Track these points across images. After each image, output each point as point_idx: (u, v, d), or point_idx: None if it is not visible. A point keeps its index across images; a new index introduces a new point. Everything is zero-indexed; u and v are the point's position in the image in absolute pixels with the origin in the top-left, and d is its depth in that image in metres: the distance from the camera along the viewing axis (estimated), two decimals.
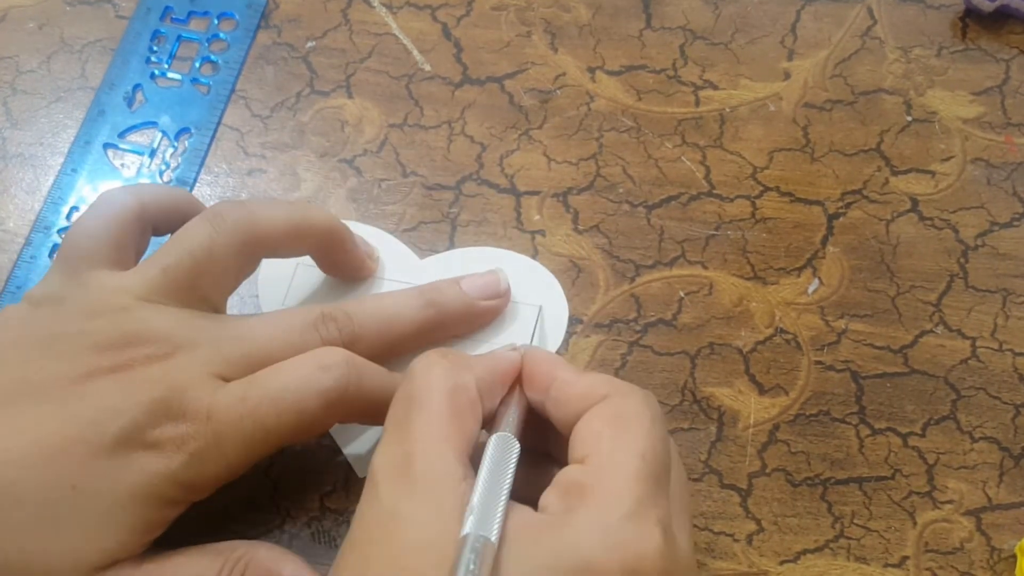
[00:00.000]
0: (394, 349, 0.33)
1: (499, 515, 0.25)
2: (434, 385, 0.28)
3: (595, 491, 0.25)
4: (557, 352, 0.36)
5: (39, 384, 0.29)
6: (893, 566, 0.33)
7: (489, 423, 0.29)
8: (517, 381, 0.30)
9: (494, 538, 0.24)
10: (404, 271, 0.38)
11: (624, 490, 0.25)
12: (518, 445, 0.27)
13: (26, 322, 0.31)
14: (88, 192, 0.40)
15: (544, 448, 0.30)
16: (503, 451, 0.27)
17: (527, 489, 0.27)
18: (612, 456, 0.26)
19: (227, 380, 0.30)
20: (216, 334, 0.31)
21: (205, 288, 0.32)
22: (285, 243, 0.33)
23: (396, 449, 0.27)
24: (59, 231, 0.39)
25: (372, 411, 0.31)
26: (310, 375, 0.30)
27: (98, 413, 0.28)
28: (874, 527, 0.34)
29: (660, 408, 0.28)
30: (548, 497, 0.26)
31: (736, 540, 0.34)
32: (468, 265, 0.38)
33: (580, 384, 0.28)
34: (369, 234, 0.38)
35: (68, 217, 0.39)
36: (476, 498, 0.25)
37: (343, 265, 0.36)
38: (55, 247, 0.39)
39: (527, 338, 0.36)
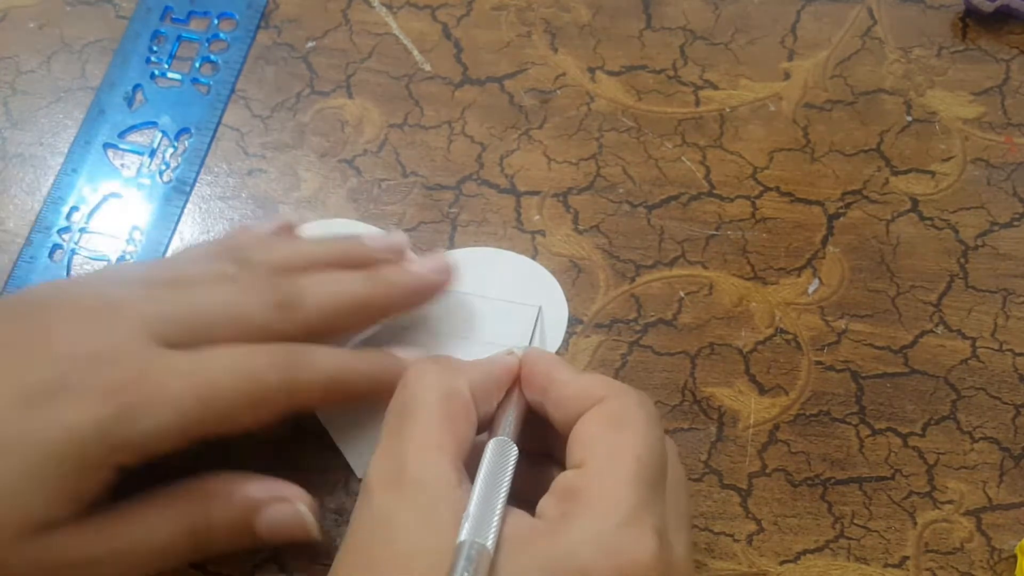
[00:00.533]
0: (341, 320, 0.33)
1: (495, 522, 0.25)
2: (426, 392, 0.28)
3: (590, 497, 0.25)
4: (557, 352, 0.36)
5: None
6: (893, 566, 0.33)
7: (487, 427, 0.29)
8: (516, 384, 0.30)
9: (490, 545, 0.24)
10: None
11: (619, 496, 0.25)
12: (516, 449, 0.27)
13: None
14: (88, 192, 0.40)
15: (547, 449, 0.30)
16: (500, 456, 0.27)
17: (529, 491, 0.27)
18: (607, 461, 0.26)
19: (167, 341, 0.29)
20: (153, 295, 0.30)
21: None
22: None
23: (390, 456, 0.27)
24: (59, 231, 0.39)
25: (328, 394, 0.31)
26: (262, 355, 0.29)
27: (17, 367, 0.27)
28: (874, 527, 0.34)
29: (656, 409, 0.28)
30: (545, 503, 0.26)
31: (736, 540, 0.34)
32: (468, 266, 0.38)
33: (577, 385, 0.28)
34: (370, 235, 0.38)
35: (68, 217, 0.39)
36: (472, 504, 0.25)
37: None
38: (55, 247, 0.39)
39: (526, 339, 0.36)
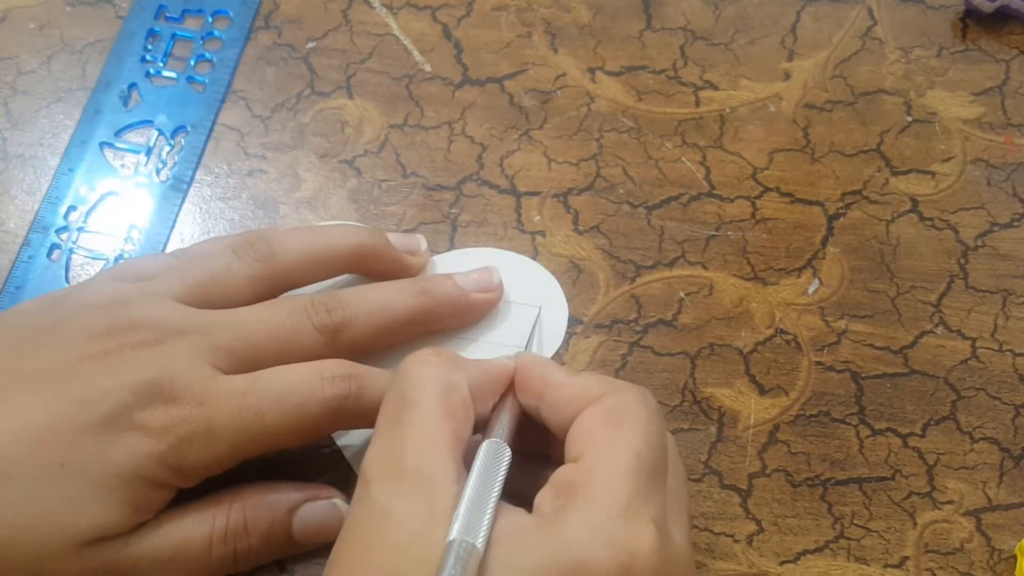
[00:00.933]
0: (386, 336, 0.33)
1: (486, 520, 0.25)
2: (426, 384, 0.28)
3: (587, 489, 0.25)
4: (557, 353, 0.36)
5: (33, 370, 0.29)
6: (893, 566, 0.33)
7: (482, 429, 0.29)
8: (510, 388, 0.30)
9: (480, 544, 0.24)
10: None
11: (617, 487, 0.25)
12: (509, 452, 0.27)
13: (32, 313, 0.32)
14: (85, 191, 0.40)
15: (544, 450, 0.30)
16: (493, 457, 0.27)
17: (525, 494, 0.27)
18: (605, 453, 0.26)
19: (219, 368, 0.30)
20: (205, 321, 0.31)
21: (216, 306, 0.32)
22: (307, 275, 0.34)
23: (387, 448, 0.27)
24: (57, 231, 0.39)
25: (374, 419, 0.31)
26: (313, 382, 0.30)
27: (87, 394, 0.29)
28: (874, 527, 0.34)
29: (657, 404, 0.28)
30: (541, 497, 0.26)
31: (736, 541, 0.34)
32: (468, 265, 0.38)
33: (574, 386, 0.28)
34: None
35: (66, 217, 0.39)
36: (463, 504, 0.25)
37: (384, 275, 0.36)
38: (53, 247, 0.39)
39: (525, 339, 0.36)
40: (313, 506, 0.32)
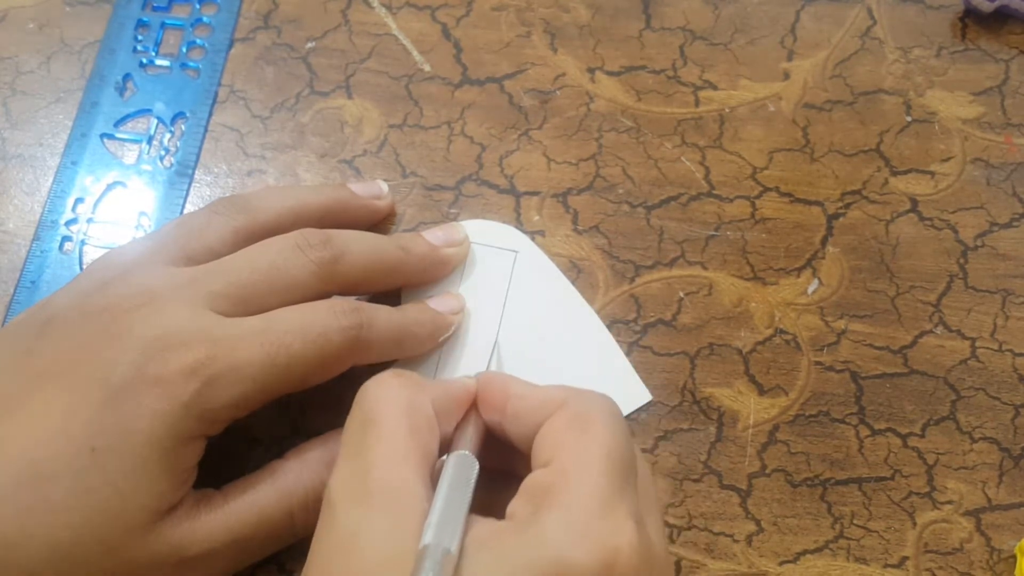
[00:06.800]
0: (373, 279, 0.34)
1: (459, 526, 0.24)
2: (389, 403, 0.27)
3: (562, 490, 0.25)
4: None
5: (40, 368, 0.29)
6: (893, 566, 0.33)
7: (446, 449, 0.28)
8: (473, 406, 0.29)
9: (454, 549, 0.24)
10: None
11: (592, 486, 0.25)
12: (477, 464, 0.27)
13: (22, 322, 0.32)
14: (90, 183, 0.40)
15: (508, 468, 0.30)
16: (462, 468, 0.26)
17: (492, 511, 0.26)
18: (576, 456, 0.26)
19: (221, 313, 0.30)
20: (194, 274, 0.31)
21: (201, 262, 0.32)
22: (284, 229, 0.34)
23: (352, 468, 0.26)
24: (67, 223, 0.39)
25: (386, 349, 0.32)
26: (328, 314, 0.31)
27: (96, 371, 0.28)
28: (874, 527, 0.34)
29: (619, 408, 0.28)
30: (514, 505, 0.26)
31: (736, 541, 0.34)
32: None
33: (535, 396, 0.28)
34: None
35: (74, 209, 0.39)
36: (435, 511, 0.24)
37: (356, 223, 0.36)
38: (64, 239, 0.39)
39: (506, 283, 0.37)
40: None
